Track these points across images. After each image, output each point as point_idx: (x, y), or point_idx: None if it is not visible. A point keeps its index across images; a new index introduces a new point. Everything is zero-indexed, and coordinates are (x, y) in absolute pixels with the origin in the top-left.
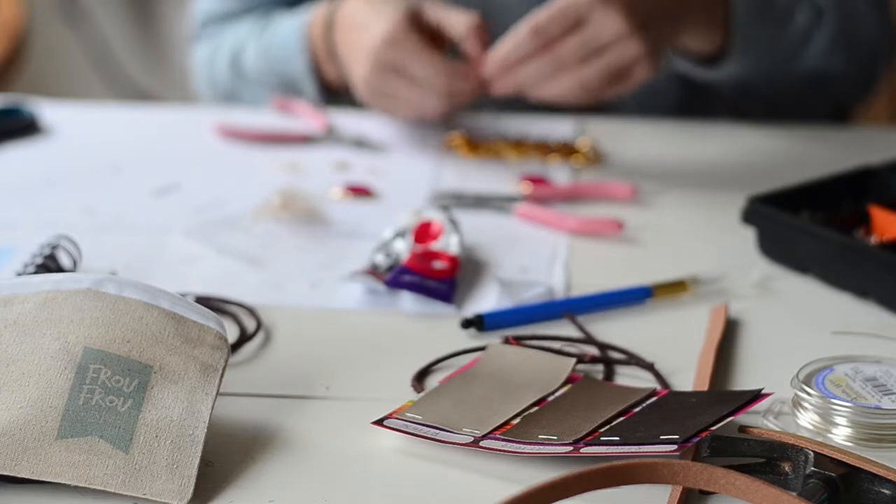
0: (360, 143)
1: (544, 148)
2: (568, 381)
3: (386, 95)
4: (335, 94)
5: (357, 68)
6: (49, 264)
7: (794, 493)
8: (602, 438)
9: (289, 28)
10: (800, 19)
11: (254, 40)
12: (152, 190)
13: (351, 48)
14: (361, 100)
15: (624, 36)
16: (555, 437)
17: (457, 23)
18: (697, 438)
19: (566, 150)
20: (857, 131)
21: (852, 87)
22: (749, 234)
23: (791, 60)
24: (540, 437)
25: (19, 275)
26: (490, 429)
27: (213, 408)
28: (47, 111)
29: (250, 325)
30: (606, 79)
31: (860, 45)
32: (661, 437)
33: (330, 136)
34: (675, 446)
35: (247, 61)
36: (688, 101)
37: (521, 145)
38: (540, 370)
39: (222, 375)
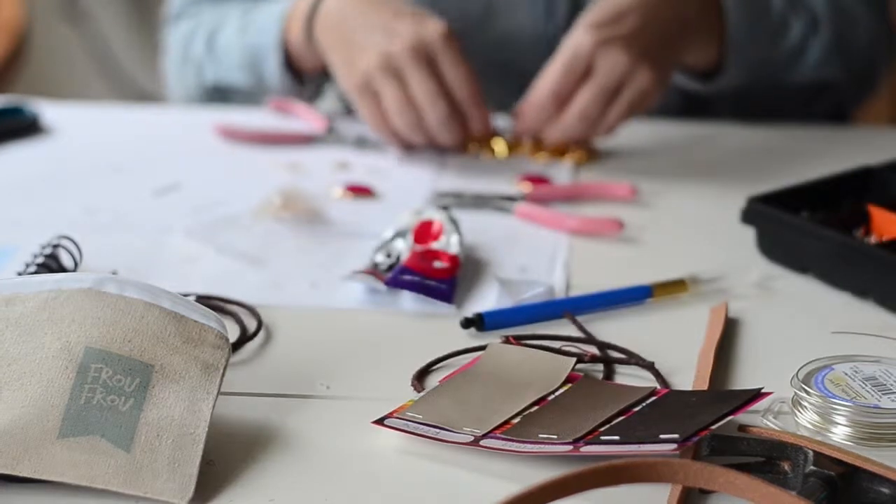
0: (361, 143)
1: (539, 145)
2: (568, 380)
3: (371, 92)
4: (300, 79)
5: (359, 52)
6: (50, 264)
7: (794, 492)
8: (602, 437)
9: (274, 10)
10: (795, 30)
11: (235, 18)
12: (153, 190)
13: (360, 29)
14: (344, 88)
15: (632, 70)
16: (555, 437)
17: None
18: (697, 437)
19: (561, 148)
20: (857, 131)
21: (851, 92)
22: (749, 234)
23: (787, 71)
24: (540, 436)
25: (20, 274)
26: (490, 428)
27: (214, 407)
28: (49, 111)
29: (251, 324)
30: (628, 115)
31: (858, 51)
32: (661, 436)
33: (330, 136)
34: (674, 445)
35: (221, 37)
36: (687, 103)
37: (517, 143)
38: (540, 369)
39: (223, 375)
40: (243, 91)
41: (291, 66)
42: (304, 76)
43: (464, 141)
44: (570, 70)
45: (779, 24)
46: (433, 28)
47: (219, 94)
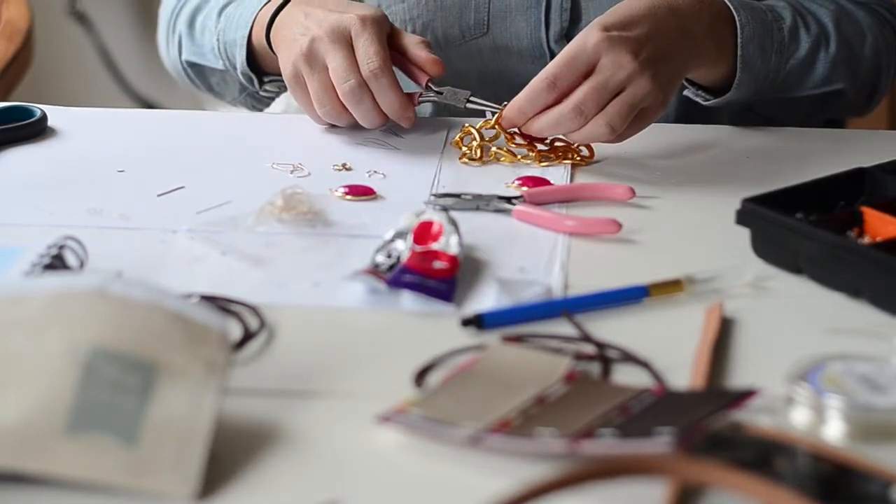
0: (362, 144)
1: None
2: (566, 379)
3: (301, 82)
4: (261, 80)
5: (292, 44)
6: (56, 264)
7: (788, 489)
8: (599, 435)
9: (252, 5)
10: (804, 45)
11: (216, 2)
12: (157, 191)
13: (292, 26)
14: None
15: (635, 73)
16: (553, 434)
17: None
18: (692, 434)
19: (562, 150)
20: (851, 133)
21: (855, 103)
22: (744, 235)
23: (794, 86)
24: (539, 434)
25: (27, 275)
26: (490, 425)
27: (217, 405)
28: (55, 115)
29: (254, 323)
30: (628, 116)
31: (864, 62)
32: (657, 432)
33: (332, 137)
34: (670, 441)
35: (202, 18)
36: (686, 104)
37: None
38: (538, 368)
39: (226, 373)
40: (217, 73)
41: (256, 66)
42: (266, 78)
43: (384, 119)
44: (573, 61)
45: (789, 40)
46: (353, 11)
47: (196, 72)
